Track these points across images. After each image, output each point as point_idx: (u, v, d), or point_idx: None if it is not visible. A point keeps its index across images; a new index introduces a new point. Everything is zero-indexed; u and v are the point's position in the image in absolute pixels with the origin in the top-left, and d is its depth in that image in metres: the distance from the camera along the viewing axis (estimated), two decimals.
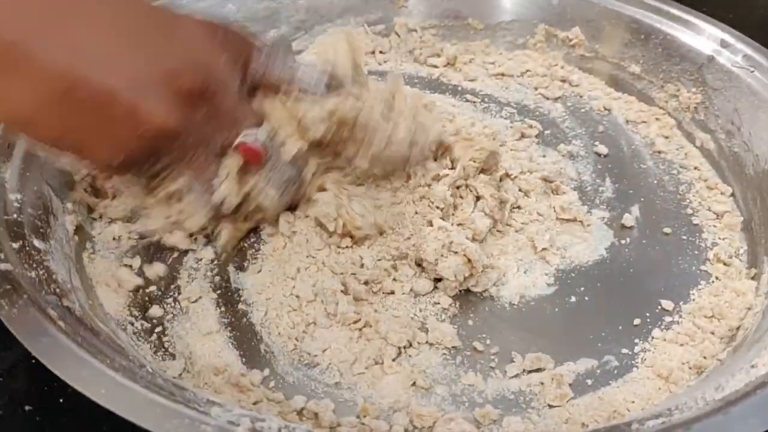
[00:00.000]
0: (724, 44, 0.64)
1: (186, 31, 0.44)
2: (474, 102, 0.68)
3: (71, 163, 0.46)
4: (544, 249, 0.54)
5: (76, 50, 0.38)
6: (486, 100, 0.69)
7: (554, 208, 0.57)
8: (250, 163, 0.47)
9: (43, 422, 0.43)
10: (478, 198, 0.53)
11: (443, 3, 0.75)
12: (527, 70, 0.73)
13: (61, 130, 0.40)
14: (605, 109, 0.68)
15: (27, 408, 0.44)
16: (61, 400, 0.44)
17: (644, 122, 0.67)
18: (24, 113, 0.39)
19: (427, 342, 0.48)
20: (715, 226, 0.57)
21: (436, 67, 0.73)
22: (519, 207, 0.56)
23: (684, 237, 0.56)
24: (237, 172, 0.47)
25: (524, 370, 0.47)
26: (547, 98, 0.69)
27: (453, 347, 0.48)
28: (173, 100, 0.42)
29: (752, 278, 0.52)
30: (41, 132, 0.40)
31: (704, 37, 0.66)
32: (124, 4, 0.41)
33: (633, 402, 0.45)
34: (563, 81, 0.71)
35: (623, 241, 0.56)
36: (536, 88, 0.70)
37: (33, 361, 0.44)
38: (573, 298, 0.51)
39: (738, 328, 0.49)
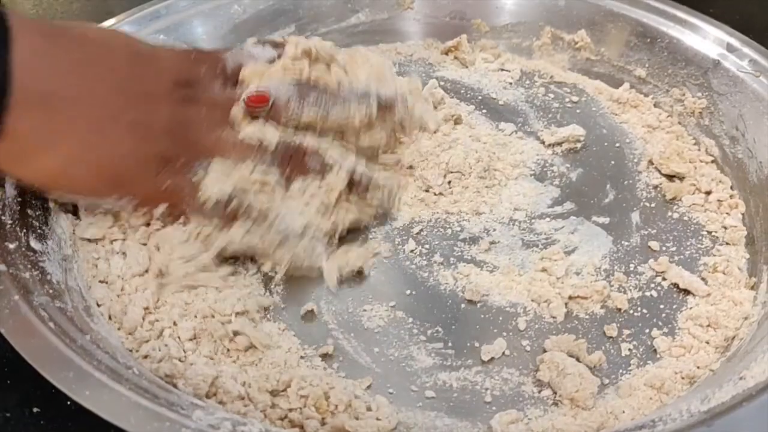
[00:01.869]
0: (730, 48, 0.63)
1: (166, 59, 0.50)
2: (479, 107, 0.68)
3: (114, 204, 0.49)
4: (544, 258, 0.54)
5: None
6: (486, 101, 0.68)
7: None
8: (258, 105, 0.50)
9: (50, 425, 0.44)
10: None
11: (449, 5, 0.75)
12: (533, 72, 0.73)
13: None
14: (610, 112, 0.68)
15: (35, 410, 0.44)
16: (68, 403, 0.44)
17: (649, 126, 0.66)
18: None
19: None
20: (716, 233, 0.56)
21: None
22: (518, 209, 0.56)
23: (684, 243, 0.56)
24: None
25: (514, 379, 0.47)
26: (551, 100, 0.69)
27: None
28: (171, 101, 0.48)
29: (751, 288, 0.52)
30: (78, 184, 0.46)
31: (710, 40, 0.65)
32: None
33: (624, 412, 0.44)
34: (568, 83, 0.71)
35: (621, 247, 0.55)
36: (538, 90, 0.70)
37: None
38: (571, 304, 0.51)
39: (733, 338, 0.48)
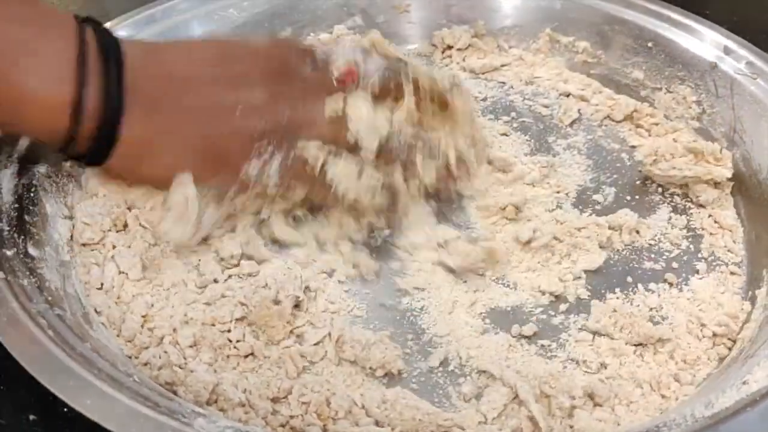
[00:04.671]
0: (727, 51, 0.63)
1: (257, 45, 0.53)
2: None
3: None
4: (547, 260, 0.54)
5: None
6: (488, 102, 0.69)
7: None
8: (349, 82, 0.51)
9: None
10: None
11: (446, 8, 0.75)
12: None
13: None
14: (608, 115, 0.68)
15: (31, 417, 0.44)
16: (65, 410, 0.43)
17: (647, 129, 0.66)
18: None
19: None
20: (714, 234, 0.56)
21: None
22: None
23: (683, 246, 0.56)
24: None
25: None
26: (547, 105, 0.69)
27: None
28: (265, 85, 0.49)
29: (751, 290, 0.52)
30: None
31: (707, 43, 0.65)
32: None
33: (624, 417, 0.44)
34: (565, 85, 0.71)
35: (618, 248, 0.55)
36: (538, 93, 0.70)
37: None
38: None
39: (734, 342, 0.48)
